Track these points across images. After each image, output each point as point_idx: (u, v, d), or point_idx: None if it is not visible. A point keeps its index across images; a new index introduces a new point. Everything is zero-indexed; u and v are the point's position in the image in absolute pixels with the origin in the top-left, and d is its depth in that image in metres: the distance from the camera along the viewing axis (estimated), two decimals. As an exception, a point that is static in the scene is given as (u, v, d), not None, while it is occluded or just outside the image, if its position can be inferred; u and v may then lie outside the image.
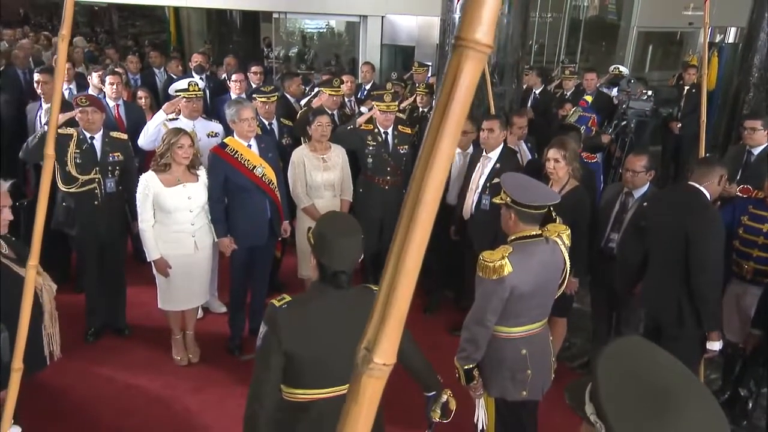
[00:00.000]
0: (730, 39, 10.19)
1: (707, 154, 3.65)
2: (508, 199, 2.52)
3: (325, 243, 1.93)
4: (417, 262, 0.45)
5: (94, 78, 5.57)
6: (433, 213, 0.43)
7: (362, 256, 2.05)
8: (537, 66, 9.18)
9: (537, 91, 7.08)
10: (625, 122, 5.08)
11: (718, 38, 10.24)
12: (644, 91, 5.79)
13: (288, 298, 1.98)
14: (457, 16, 4.96)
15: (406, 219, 0.43)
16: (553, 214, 2.63)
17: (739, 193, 3.54)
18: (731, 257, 3.43)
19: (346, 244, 1.93)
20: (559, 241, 2.56)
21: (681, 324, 3.08)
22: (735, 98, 6.75)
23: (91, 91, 5.40)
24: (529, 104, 6.87)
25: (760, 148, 4.37)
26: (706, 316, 3.01)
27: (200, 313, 4.33)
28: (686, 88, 7.29)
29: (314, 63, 10.49)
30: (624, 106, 5.20)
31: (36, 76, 4.96)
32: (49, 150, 1.24)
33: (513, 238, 2.55)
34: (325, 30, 12.32)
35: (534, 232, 2.53)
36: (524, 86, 7.32)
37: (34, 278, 2.38)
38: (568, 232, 2.61)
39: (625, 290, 3.54)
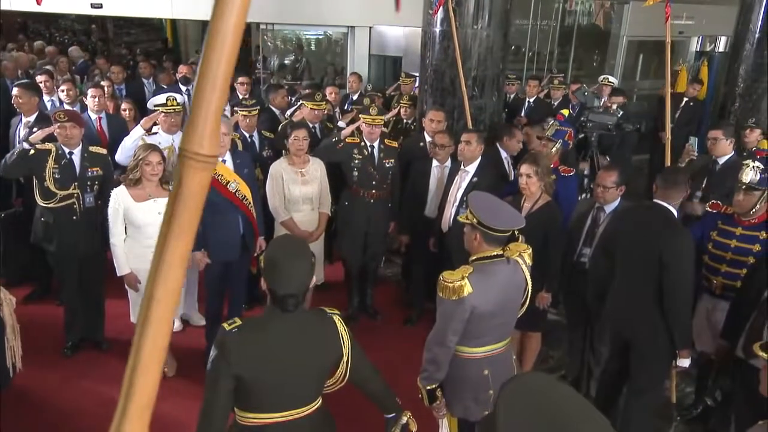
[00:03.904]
0: (721, 48, 10.18)
1: (670, 167, 3.68)
2: (475, 220, 2.51)
3: (272, 266, 1.93)
4: (158, 351, 0.47)
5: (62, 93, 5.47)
6: (169, 313, 0.45)
7: (312, 282, 2.04)
8: (529, 74, 9.22)
9: (531, 100, 7.10)
10: (583, 135, 4.89)
11: (708, 47, 10.22)
12: (609, 105, 5.61)
13: (239, 321, 1.98)
14: (437, 29, 4.98)
15: (142, 316, 0.44)
16: (516, 233, 2.63)
17: (708, 209, 3.55)
18: (701, 272, 3.44)
19: (292, 266, 1.92)
20: (521, 261, 2.56)
21: (654, 342, 3.10)
22: (722, 108, 6.77)
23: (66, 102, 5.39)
24: (522, 113, 6.89)
25: (725, 158, 4.39)
26: (678, 335, 3.03)
27: (179, 326, 4.34)
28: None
29: (304, 74, 10.47)
30: (583, 119, 5.01)
31: (14, 90, 4.86)
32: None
33: (474, 258, 2.56)
34: (322, 37, 12.31)
35: (495, 252, 2.53)
36: (519, 95, 7.36)
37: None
38: (530, 251, 2.61)
39: (596, 304, 3.54)
